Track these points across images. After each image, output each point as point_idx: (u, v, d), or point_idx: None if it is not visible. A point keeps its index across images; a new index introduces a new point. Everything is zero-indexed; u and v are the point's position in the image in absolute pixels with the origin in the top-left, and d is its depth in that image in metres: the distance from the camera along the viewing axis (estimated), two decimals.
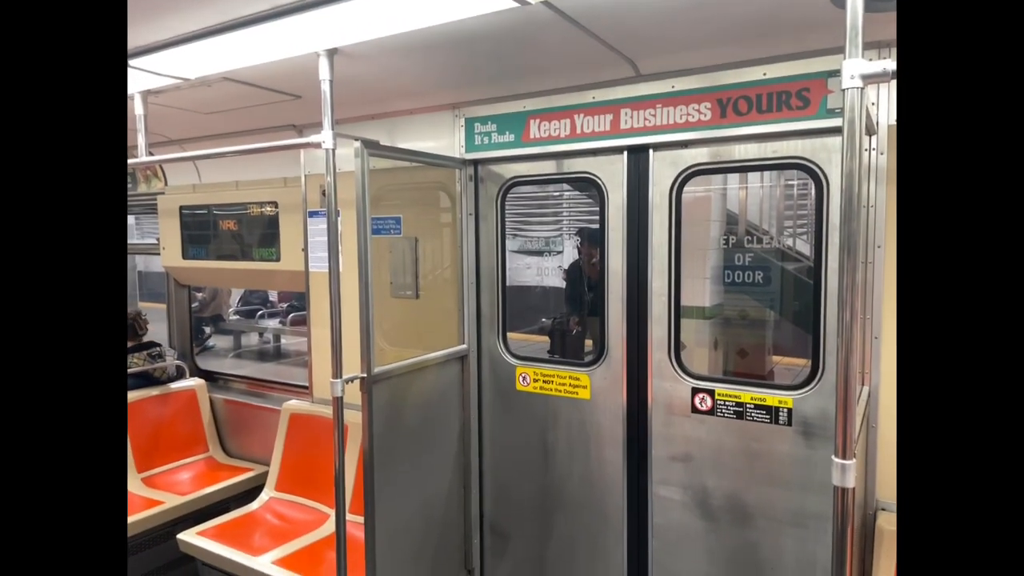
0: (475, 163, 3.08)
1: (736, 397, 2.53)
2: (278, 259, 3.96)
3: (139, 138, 3.18)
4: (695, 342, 3.68)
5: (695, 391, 2.62)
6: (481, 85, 2.91)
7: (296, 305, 12.20)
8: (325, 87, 2.48)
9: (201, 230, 4.36)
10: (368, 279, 2.51)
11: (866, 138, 2.27)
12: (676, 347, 2.66)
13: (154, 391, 4.41)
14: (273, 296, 13.33)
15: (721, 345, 3.95)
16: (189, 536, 3.45)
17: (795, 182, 5.19)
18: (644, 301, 2.69)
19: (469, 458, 3.19)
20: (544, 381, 3.00)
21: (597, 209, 2.82)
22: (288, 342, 12.08)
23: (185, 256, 4.44)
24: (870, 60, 1.34)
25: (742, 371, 3.78)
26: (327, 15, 2.10)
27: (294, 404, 3.98)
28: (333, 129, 2.51)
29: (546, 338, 5.97)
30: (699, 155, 2.55)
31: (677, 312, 2.65)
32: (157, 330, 4.90)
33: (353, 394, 2.58)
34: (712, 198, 4.10)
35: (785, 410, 2.44)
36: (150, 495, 3.93)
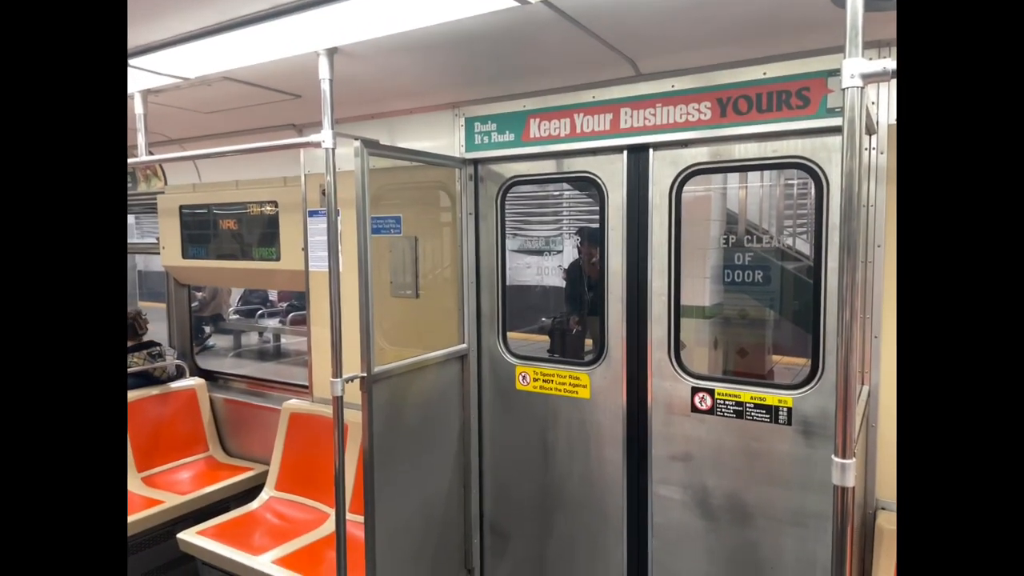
0: (475, 162, 3.08)
1: (736, 396, 2.53)
2: (278, 258, 3.96)
3: (139, 137, 3.18)
4: (695, 341, 3.68)
5: (695, 390, 2.62)
6: (481, 84, 2.91)
7: (296, 304, 12.21)
8: (325, 86, 2.48)
9: (201, 229, 4.36)
10: (368, 278, 2.51)
11: (866, 137, 2.27)
12: (676, 346, 2.66)
13: (154, 390, 4.41)
14: (273, 295, 13.34)
15: (721, 344, 3.95)
16: (189, 535, 3.46)
17: (795, 181, 5.19)
18: (644, 300, 2.69)
19: (469, 457, 3.19)
20: (544, 380, 3.00)
21: (597, 208, 2.82)
22: (288, 341, 12.08)
23: (185, 255, 4.44)
24: (870, 59, 1.34)
25: (742, 370, 3.79)
26: (327, 14, 2.10)
27: (294, 403, 3.98)
28: (333, 128, 2.51)
29: (546, 337, 5.98)
30: (699, 154, 2.55)
31: (677, 311, 2.65)
32: (157, 329, 4.90)
33: (353, 393, 2.58)
34: (712, 197, 4.10)
35: (785, 409, 2.44)
36: (150, 494, 3.93)
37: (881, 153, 2.31)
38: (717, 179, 4.17)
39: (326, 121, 2.49)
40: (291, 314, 12.30)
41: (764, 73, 2.34)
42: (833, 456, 1.44)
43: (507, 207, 3.08)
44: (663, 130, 2.56)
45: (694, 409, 2.62)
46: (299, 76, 2.77)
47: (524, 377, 3.06)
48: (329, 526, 3.51)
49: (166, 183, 4.57)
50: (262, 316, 13.02)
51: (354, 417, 2.96)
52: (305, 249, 3.73)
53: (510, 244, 3.19)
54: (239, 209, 4.13)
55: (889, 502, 2.41)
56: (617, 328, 2.78)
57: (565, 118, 2.77)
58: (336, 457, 2.61)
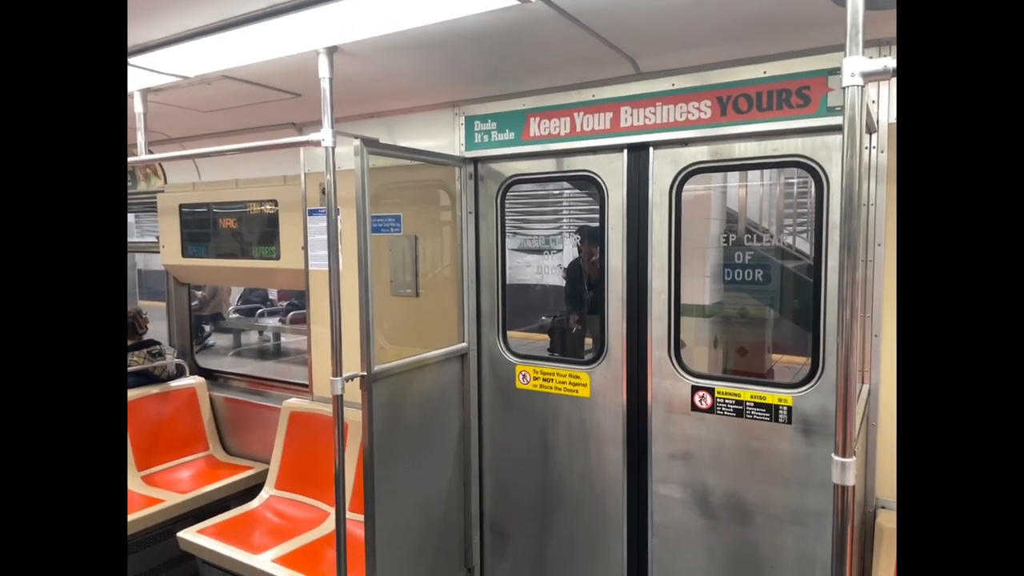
0: (475, 161, 3.08)
1: (736, 395, 2.53)
2: (278, 257, 3.96)
3: (139, 136, 3.18)
4: (695, 340, 3.68)
5: (695, 389, 2.62)
6: (481, 83, 2.91)
7: (296, 303, 12.21)
8: (325, 85, 2.48)
9: (201, 228, 4.36)
10: (368, 277, 2.51)
11: (866, 136, 2.27)
12: (676, 345, 2.66)
13: (154, 389, 4.41)
14: (273, 294, 13.34)
15: (721, 343, 3.95)
16: (189, 534, 3.46)
17: (795, 180, 5.19)
18: (644, 299, 2.69)
19: (469, 456, 3.19)
20: (544, 379, 3.00)
21: (597, 207, 2.82)
22: (288, 340, 12.08)
23: (185, 254, 4.44)
24: (870, 58, 1.34)
25: (742, 369, 3.79)
26: (327, 13, 2.10)
27: (294, 402, 3.98)
28: (333, 127, 2.51)
29: (546, 336, 5.98)
30: (699, 153, 2.55)
31: (677, 310, 2.65)
32: (157, 328, 4.90)
33: (353, 392, 2.58)
34: (712, 196, 4.11)
35: (785, 408, 2.44)
36: (150, 493, 3.93)
37: (881, 152, 2.30)
38: (717, 178, 4.18)
39: (326, 120, 2.49)
40: (291, 313, 12.32)
41: (764, 72, 2.34)
42: (833, 455, 1.44)
43: (507, 206, 3.08)
44: (663, 129, 2.55)
45: (694, 408, 2.62)
46: (299, 75, 2.77)
47: (524, 376, 3.06)
48: (329, 525, 3.52)
49: (166, 182, 4.57)
50: (262, 315, 13.03)
51: (354, 416, 2.96)
52: (305, 248, 3.73)
53: (510, 243, 3.19)
54: (239, 208, 4.13)
55: (889, 501, 2.41)
56: (617, 327, 2.78)
57: (565, 117, 2.77)
58: (336, 456, 2.61)
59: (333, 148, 2.51)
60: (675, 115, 2.52)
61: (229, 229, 4.19)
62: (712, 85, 2.44)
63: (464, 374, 3.16)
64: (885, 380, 2.37)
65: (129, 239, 5.34)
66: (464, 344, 3.16)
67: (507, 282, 3.13)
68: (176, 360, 4.66)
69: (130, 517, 3.58)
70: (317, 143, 2.53)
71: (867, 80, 1.36)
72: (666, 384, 2.68)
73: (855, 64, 1.34)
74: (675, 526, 2.71)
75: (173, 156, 3.55)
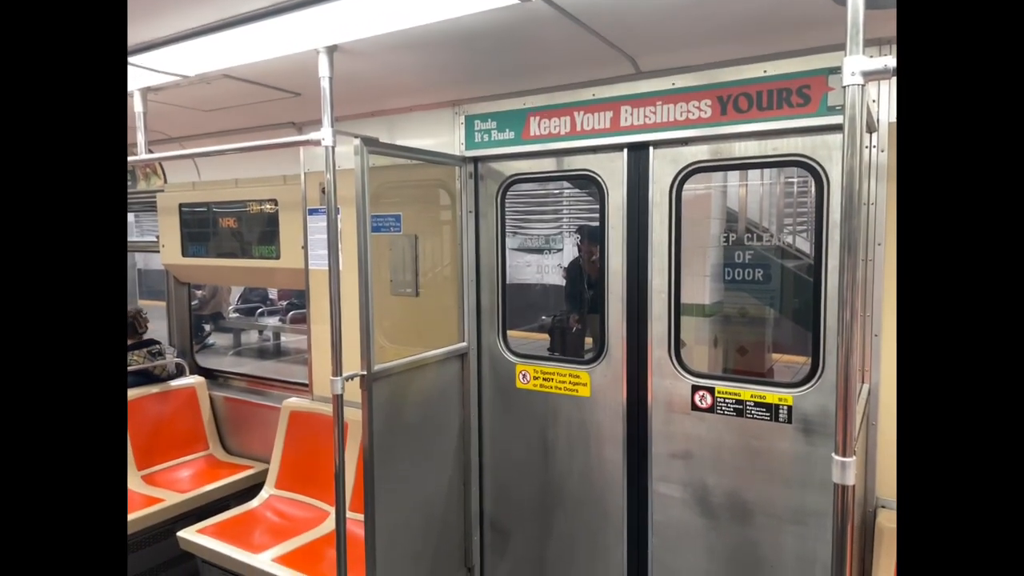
0: (475, 160, 3.08)
1: (736, 395, 2.53)
2: (278, 257, 3.95)
3: (139, 135, 3.18)
4: (695, 340, 3.68)
5: (695, 388, 2.62)
6: (481, 82, 2.91)
7: (296, 303, 12.21)
8: (325, 84, 2.48)
9: (201, 228, 4.36)
10: (368, 277, 2.51)
11: (867, 135, 2.27)
12: (676, 345, 2.66)
13: (154, 389, 4.41)
14: (273, 294, 13.35)
15: (721, 343, 3.95)
16: (189, 534, 3.46)
17: (795, 180, 5.19)
18: (644, 299, 2.69)
19: (469, 456, 3.19)
20: (544, 379, 3.00)
21: (597, 207, 2.82)
22: (288, 340, 12.08)
23: (185, 254, 4.44)
24: (871, 57, 1.34)
25: (742, 369, 3.79)
26: (327, 12, 2.10)
27: (294, 402, 3.98)
28: (333, 126, 2.50)
29: (546, 336, 5.98)
30: (699, 152, 2.55)
31: (677, 310, 2.65)
32: (157, 328, 4.90)
33: (353, 392, 2.58)
34: (712, 196, 4.10)
35: (785, 407, 2.44)
36: (150, 493, 3.93)
37: (882, 151, 2.30)
38: (717, 177, 4.17)
39: (326, 119, 2.49)
40: (291, 312, 12.31)
41: (765, 71, 2.34)
42: (833, 454, 1.44)
43: (507, 205, 3.08)
44: (663, 128, 2.55)
45: (694, 407, 2.62)
46: (299, 74, 2.77)
47: (524, 375, 3.06)
48: (329, 524, 3.52)
49: (166, 181, 4.57)
50: (262, 314, 13.03)
51: (354, 415, 2.96)
52: (305, 247, 3.73)
53: (510, 242, 3.18)
54: (239, 207, 4.13)
55: (889, 500, 2.41)
56: (617, 326, 2.77)
57: (565, 116, 2.77)
58: (336, 455, 2.61)
59: (333, 147, 2.51)
60: (675, 114, 2.52)
61: (229, 228, 4.19)
62: (712, 84, 2.44)
63: (464, 373, 3.16)
64: (885, 380, 2.37)
65: (129, 238, 5.34)
66: (464, 344, 3.16)
67: (507, 281, 3.13)
68: (176, 359, 4.66)
69: (130, 516, 3.58)
70: (317, 142, 2.53)
71: (867, 79, 1.36)
72: (666, 384, 2.68)
73: (855, 63, 1.34)
74: (675, 525, 2.71)
75: (173, 155, 3.55)
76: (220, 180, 4.26)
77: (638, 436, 2.77)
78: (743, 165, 2.59)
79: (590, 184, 2.82)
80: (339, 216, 2.68)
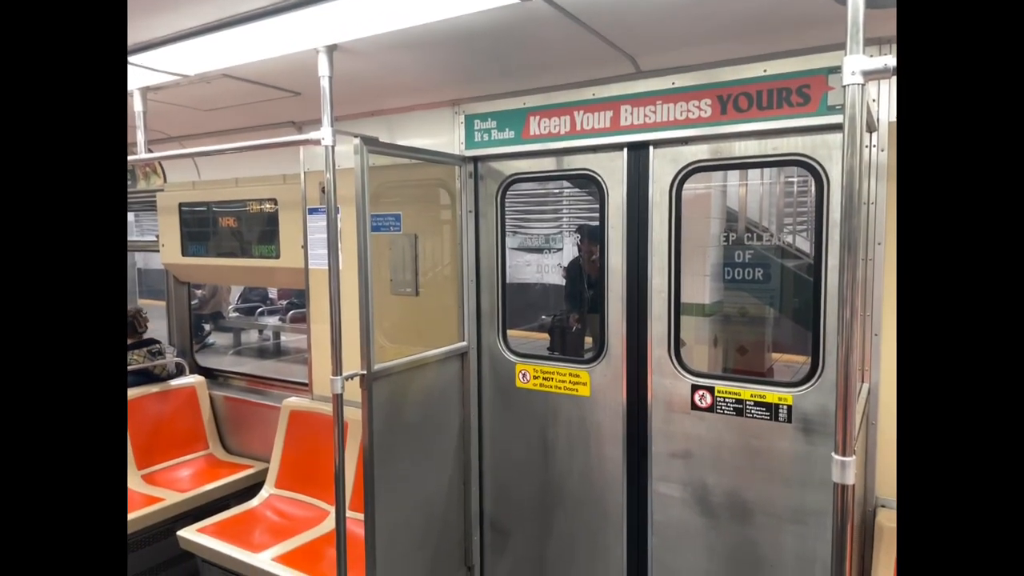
0: (475, 160, 3.08)
1: (736, 394, 2.53)
2: (278, 256, 3.95)
3: (138, 135, 3.18)
4: (695, 339, 3.69)
5: (695, 388, 2.62)
6: (481, 82, 2.91)
7: (296, 302, 12.22)
8: (324, 83, 2.48)
9: (201, 227, 4.36)
10: (368, 276, 2.51)
11: (867, 135, 2.27)
12: (676, 344, 2.66)
13: (154, 388, 4.41)
14: (273, 293, 13.35)
15: (721, 342, 3.95)
16: (189, 533, 3.46)
17: (795, 179, 5.19)
18: (644, 298, 2.69)
19: (469, 455, 3.19)
20: (544, 378, 3.00)
21: (597, 206, 2.82)
22: (288, 339, 12.08)
23: (185, 253, 4.44)
24: (871, 56, 1.34)
25: (742, 368, 3.79)
26: (326, 11, 2.09)
27: (294, 401, 3.98)
28: (333, 126, 2.50)
29: (546, 335, 5.98)
30: (699, 152, 2.55)
31: (677, 309, 2.65)
32: (157, 327, 4.90)
33: (353, 391, 2.58)
34: (712, 195, 4.11)
35: (785, 407, 2.44)
36: (150, 492, 3.93)
37: (882, 150, 2.30)
38: (717, 177, 4.18)
39: (326, 118, 2.49)
40: (291, 312, 12.32)
41: (765, 70, 2.34)
42: (833, 454, 1.44)
43: (507, 205, 3.08)
44: (663, 127, 2.55)
45: (694, 407, 2.62)
46: (299, 73, 2.77)
47: (524, 375, 3.06)
48: (329, 523, 3.52)
49: (165, 180, 4.57)
50: (262, 314, 13.03)
51: (354, 415, 2.96)
52: (305, 247, 3.73)
53: (510, 242, 3.18)
54: (239, 207, 4.13)
55: (889, 500, 2.41)
56: (617, 326, 2.77)
57: (565, 115, 2.77)
58: (336, 454, 2.61)
59: (333, 147, 2.51)
60: (675, 114, 2.52)
61: (229, 228, 4.19)
62: (712, 84, 2.44)
63: (464, 373, 3.16)
64: (885, 379, 2.37)
65: (129, 238, 5.34)
66: (464, 343, 3.16)
67: (507, 281, 3.13)
68: (176, 359, 4.66)
69: (130, 516, 3.59)
70: (317, 142, 2.53)
71: (867, 78, 1.35)
72: (666, 383, 2.68)
73: (855, 62, 1.34)
74: (675, 525, 2.72)
75: (173, 155, 3.54)
76: (220, 179, 4.25)
77: (638, 435, 2.77)
78: (743, 164, 2.59)
79: (590, 183, 2.82)
80: (339, 215, 2.68)
